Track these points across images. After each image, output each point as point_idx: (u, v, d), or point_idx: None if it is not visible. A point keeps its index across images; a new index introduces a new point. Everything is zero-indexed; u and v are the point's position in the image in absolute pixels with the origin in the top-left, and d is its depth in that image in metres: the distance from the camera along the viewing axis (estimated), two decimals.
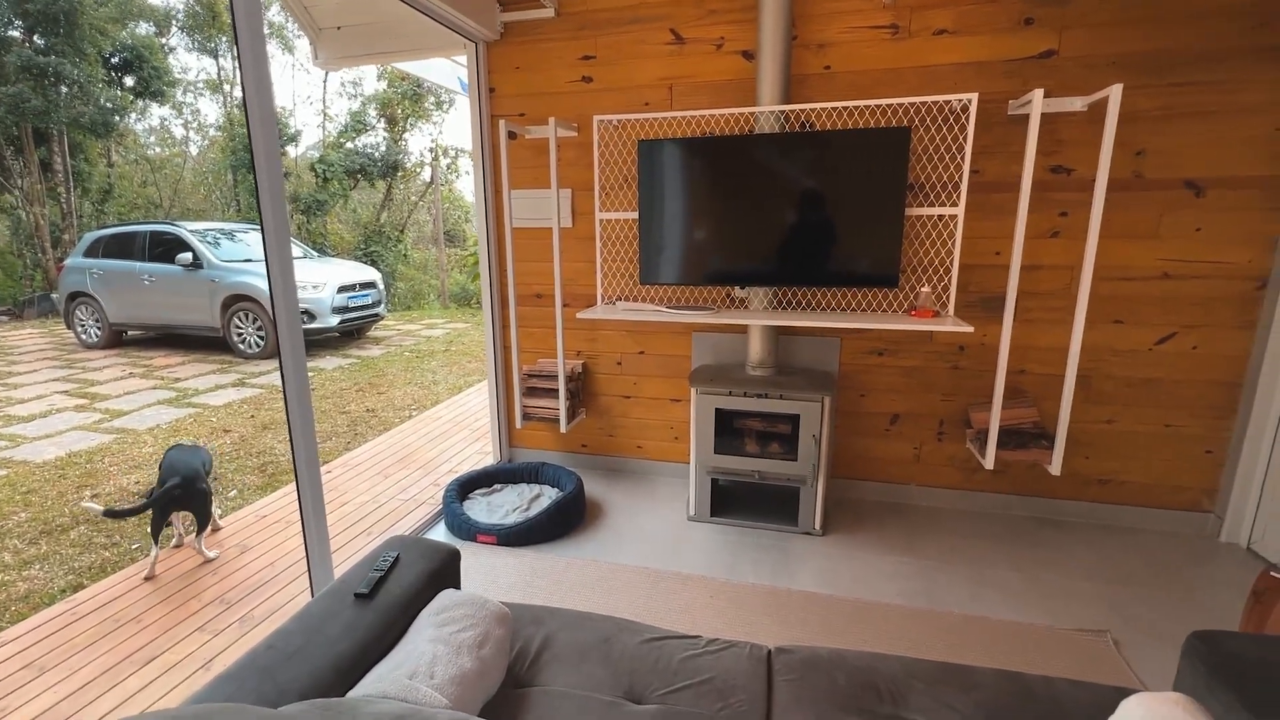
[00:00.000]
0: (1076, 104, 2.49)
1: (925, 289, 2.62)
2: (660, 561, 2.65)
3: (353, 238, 14.05)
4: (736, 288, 3.03)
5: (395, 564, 1.45)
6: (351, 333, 8.31)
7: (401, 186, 14.89)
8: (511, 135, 3.21)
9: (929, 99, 2.56)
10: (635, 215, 3.04)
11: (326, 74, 14.62)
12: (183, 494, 2.62)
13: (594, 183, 3.05)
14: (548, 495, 3.10)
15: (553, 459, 3.61)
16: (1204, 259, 2.63)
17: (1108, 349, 2.79)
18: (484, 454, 4.00)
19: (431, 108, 14.06)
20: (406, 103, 13.80)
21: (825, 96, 2.84)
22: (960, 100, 2.56)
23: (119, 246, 7.71)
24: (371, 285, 8.05)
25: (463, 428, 4.59)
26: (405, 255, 14.20)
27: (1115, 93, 2.28)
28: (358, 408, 5.28)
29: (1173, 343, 2.73)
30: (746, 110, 2.78)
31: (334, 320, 7.41)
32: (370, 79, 14.34)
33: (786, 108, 2.70)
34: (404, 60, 3.70)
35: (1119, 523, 2.92)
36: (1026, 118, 2.51)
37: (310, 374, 6.60)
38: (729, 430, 2.96)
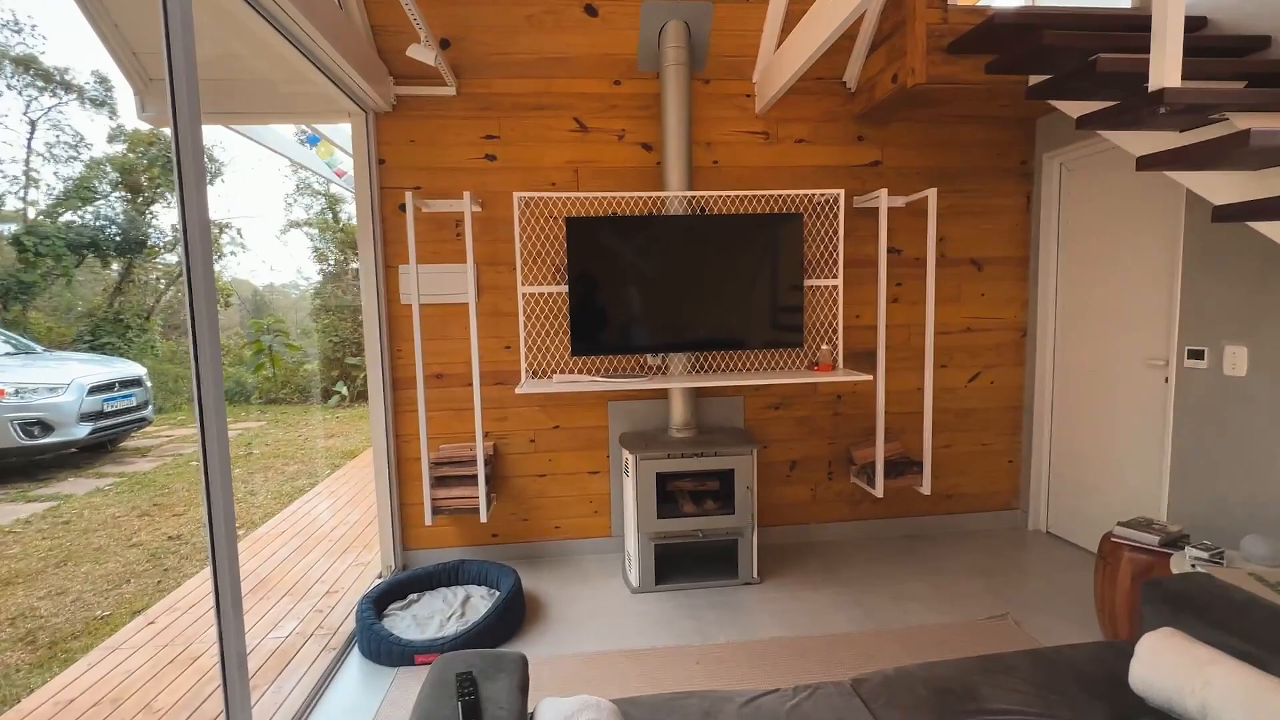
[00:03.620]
0: (900, 202, 3.23)
1: (825, 347, 3.06)
2: (627, 641, 2.54)
3: (67, 328, 11.13)
4: (649, 356, 3.18)
5: (475, 684, 1.23)
6: (104, 445, 6.48)
7: (146, 266, 12.39)
8: (401, 208, 3.04)
9: (806, 192, 3.10)
10: (553, 289, 3.07)
11: (32, 131, 11.83)
12: None
13: (515, 257, 3.00)
14: (478, 595, 2.78)
15: (458, 556, 3.24)
16: (989, 316, 3.53)
17: (940, 388, 3.52)
18: (362, 565, 3.42)
19: None
20: (155, 170, 11.76)
21: (715, 186, 3.25)
22: (830, 194, 3.15)
23: None
24: (136, 383, 6.46)
25: (319, 540, 3.87)
26: (152, 347, 11.66)
27: (932, 194, 3.03)
28: (151, 536, 4.11)
29: (979, 380, 3.56)
30: (658, 194, 3.04)
31: (82, 431, 5.71)
32: (100, 140, 11.96)
33: (693, 194, 3.02)
34: (258, 124, 3.28)
35: (965, 528, 3.60)
36: (869, 209, 3.22)
37: (53, 502, 5.01)
38: (663, 495, 3.01)
